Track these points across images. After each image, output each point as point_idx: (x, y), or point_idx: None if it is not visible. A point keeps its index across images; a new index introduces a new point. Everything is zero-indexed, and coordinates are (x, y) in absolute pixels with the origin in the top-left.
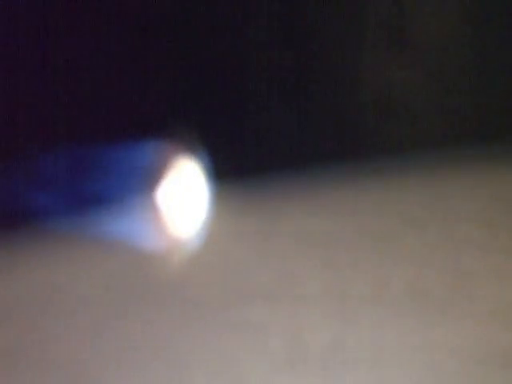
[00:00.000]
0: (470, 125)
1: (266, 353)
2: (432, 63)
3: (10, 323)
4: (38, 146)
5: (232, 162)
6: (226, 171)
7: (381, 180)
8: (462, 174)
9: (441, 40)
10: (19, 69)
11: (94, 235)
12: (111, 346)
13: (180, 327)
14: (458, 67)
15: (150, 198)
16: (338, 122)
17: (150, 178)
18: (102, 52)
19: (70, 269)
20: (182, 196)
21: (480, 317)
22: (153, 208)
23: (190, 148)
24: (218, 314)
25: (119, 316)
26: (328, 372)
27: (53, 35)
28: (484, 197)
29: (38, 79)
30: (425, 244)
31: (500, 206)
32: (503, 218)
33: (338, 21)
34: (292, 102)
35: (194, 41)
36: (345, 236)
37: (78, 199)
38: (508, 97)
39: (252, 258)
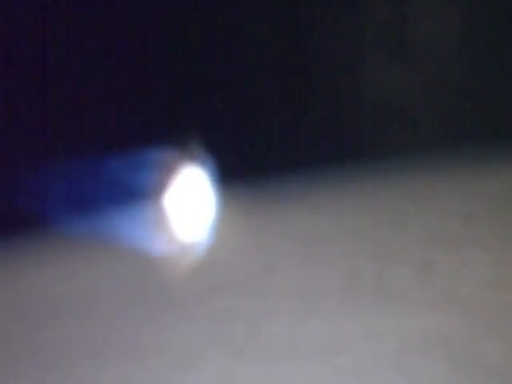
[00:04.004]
0: (465, 128)
1: (228, 341)
2: (432, 68)
3: (17, 323)
4: (47, 153)
5: (235, 166)
6: (229, 175)
7: (376, 181)
8: (453, 174)
9: (440, 46)
10: (22, 80)
11: (101, 239)
12: (113, 343)
13: (157, 318)
14: (457, 72)
15: (156, 203)
16: (338, 125)
17: (156, 183)
18: (105, 61)
19: (78, 271)
20: (188, 200)
21: (437, 307)
22: (159, 212)
23: (194, 154)
24: (191, 305)
25: (122, 315)
26: (284, 360)
27: (56, 46)
28: (468, 194)
29: (44, 89)
30: (401, 239)
31: (481, 201)
32: (482, 213)
33: (339, 27)
34: (294, 107)
35: (197, 49)
36: (330, 233)
37: (86, 205)
38: (506, 101)
39: (242, 254)
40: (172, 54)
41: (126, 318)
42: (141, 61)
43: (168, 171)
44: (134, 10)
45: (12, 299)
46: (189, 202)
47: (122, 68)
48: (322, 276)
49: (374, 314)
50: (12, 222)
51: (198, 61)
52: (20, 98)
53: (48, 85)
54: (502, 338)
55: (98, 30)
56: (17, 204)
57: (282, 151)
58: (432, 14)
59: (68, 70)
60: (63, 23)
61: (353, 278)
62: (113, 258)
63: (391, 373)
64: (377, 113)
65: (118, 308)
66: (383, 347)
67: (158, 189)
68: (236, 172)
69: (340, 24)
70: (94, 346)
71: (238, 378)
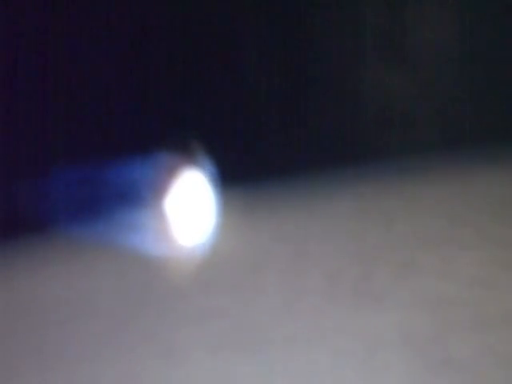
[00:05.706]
0: (452, 130)
1: (213, 337)
2: (429, 73)
3: (18, 324)
4: (49, 156)
5: (235, 171)
6: (229, 179)
7: (365, 182)
8: (439, 174)
9: (439, 49)
10: (24, 83)
11: (102, 242)
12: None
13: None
14: (454, 77)
15: (157, 206)
16: (337, 130)
17: (157, 186)
18: (106, 65)
19: (80, 273)
20: (188, 204)
21: (420, 306)
22: (160, 215)
23: (195, 157)
24: (189, 305)
25: (122, 316)
26: (264, 356)
27: (58, 51)
28: (454, 194)
29: (46, 94)
30: (387, 238)
31: (466, 201)
32: (467, 212)
33: (338, 33)
34: (293, 112)
35: (197, 52)
36: (320, 234)
37: (88, 208)
38: (500, 104)
39: (235, 255)
40: (173, 57)
41: (126, 318)
42: (142, 65)
43: (169, 174)
44: (135, 14)
45: (14, 300)
46: (189, 205)
47: (123, 72)
48: (307, 275)
49: (354, 312)
50: (14, 225)
51: (198, 64)
52: (22, 102)
53: (50, 88)
54: (484, 337)
55: (100, 35)
56: (19, 207)
57: (280, 155)
58: (431, 18)
59: (69, 74)
60: (64, 27)
61: (337, 276)
62: (112, 259)
63: (364, 369)
64: (370, 116)
65: (117, 309)
66: (359, 344)
67: (159, 192)
68: (235, 175)
69: (339, 27)
70: (94, 347)
71: (229, 373)
